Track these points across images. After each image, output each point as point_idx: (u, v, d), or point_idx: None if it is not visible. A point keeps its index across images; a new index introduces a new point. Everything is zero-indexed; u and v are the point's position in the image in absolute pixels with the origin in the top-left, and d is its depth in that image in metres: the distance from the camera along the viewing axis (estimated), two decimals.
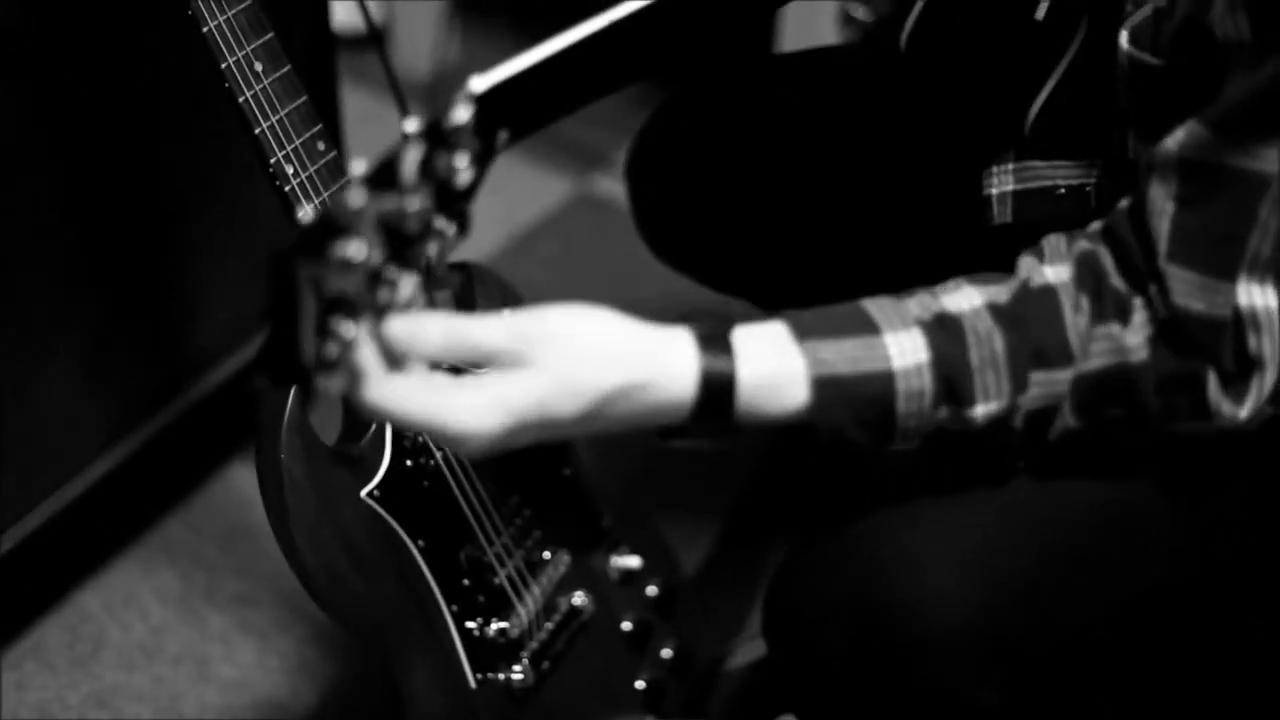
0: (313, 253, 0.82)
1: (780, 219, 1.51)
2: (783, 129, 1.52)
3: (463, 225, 0.92)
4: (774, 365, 1.01)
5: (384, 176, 0.85)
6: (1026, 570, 1.08)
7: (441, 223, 0.90)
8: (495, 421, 0.94)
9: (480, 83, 0.90)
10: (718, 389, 0.99)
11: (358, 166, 0.84)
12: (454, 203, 0.90)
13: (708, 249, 1.56)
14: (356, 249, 0.83)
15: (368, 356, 0.91)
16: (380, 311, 0.89)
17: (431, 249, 0.90)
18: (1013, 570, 1.08)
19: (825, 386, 1.01)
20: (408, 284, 0.89)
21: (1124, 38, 1.09)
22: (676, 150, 1.56)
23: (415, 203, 0.86)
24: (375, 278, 0.87)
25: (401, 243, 0.87)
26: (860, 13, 1.80)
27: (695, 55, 1.12)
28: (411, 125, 0.87)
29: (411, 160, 0.86)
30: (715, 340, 1.00)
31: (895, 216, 1.46)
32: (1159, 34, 1.07)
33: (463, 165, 0.89)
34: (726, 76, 1.57)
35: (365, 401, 0.91)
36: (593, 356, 0.96)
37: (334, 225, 0.83)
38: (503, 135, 0.94)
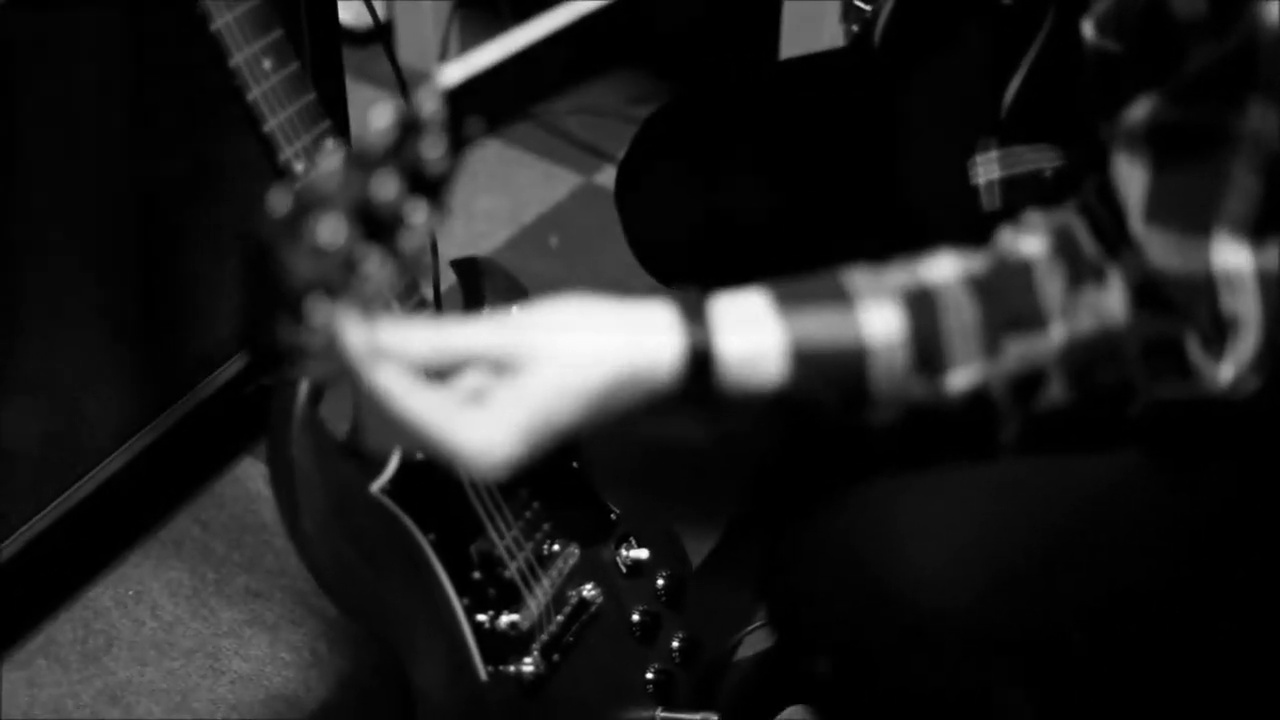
0: (286, 234, 0.82)
1: (776, 232, 1.51)
2: (768, 141, 1.52)
3: (440, 214, 0.90)
4: (754, 339, 1.00)
5: (356, 159, 0.85)
6: (1023, 557, 1.09)
7: (418, 211, 0.89)
8: (510, 445, 0.93)
9: (450, 74, 0.89)
10: (700, 367, 0.99)
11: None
12: (430, 192, 0.89)
13: (705, 268, 1.56)
14: (331, 230, 0.82)
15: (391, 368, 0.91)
16: (358, 298, 0.88)
17: (409, 238, 0.89)
18: (1010, 558, 1.08)
19: (800, 358, 1.01)
20: (384, 271, 0.88)
21: (1088, 28, 1.10)
22: (663, 172, 1.56)
23: (388, 186, 0.85)
24: (350, 265, 0.86)
25: (375, 228, 0.87)
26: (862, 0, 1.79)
27: (672, 44, 1.11)
28: (381, 114, 0.86)
29: (379, 139, 0.85)
30: (694, 316, 1.00)
31: (890, 216, 1.46)
32: (1123, 20, 1.07)
33: (435, 155, 0.87)
34: (710, 86, 1.57)
35: (396, 407, 0.91)
36: (578, 358, 0.96)
37: (307, 204, 0.82)
38: (477, 124, 0.92)
